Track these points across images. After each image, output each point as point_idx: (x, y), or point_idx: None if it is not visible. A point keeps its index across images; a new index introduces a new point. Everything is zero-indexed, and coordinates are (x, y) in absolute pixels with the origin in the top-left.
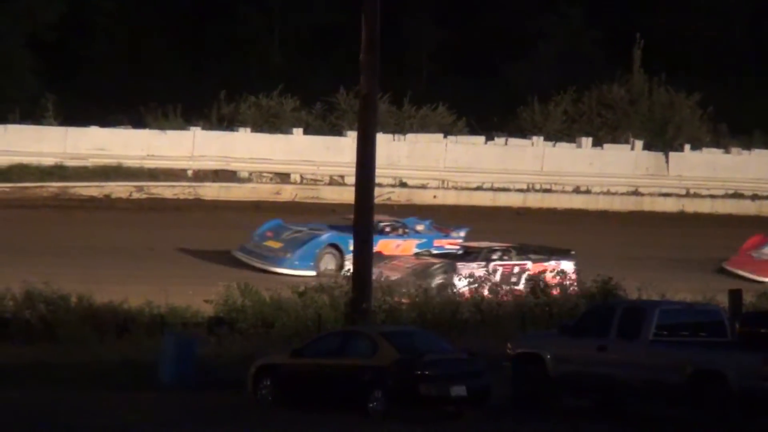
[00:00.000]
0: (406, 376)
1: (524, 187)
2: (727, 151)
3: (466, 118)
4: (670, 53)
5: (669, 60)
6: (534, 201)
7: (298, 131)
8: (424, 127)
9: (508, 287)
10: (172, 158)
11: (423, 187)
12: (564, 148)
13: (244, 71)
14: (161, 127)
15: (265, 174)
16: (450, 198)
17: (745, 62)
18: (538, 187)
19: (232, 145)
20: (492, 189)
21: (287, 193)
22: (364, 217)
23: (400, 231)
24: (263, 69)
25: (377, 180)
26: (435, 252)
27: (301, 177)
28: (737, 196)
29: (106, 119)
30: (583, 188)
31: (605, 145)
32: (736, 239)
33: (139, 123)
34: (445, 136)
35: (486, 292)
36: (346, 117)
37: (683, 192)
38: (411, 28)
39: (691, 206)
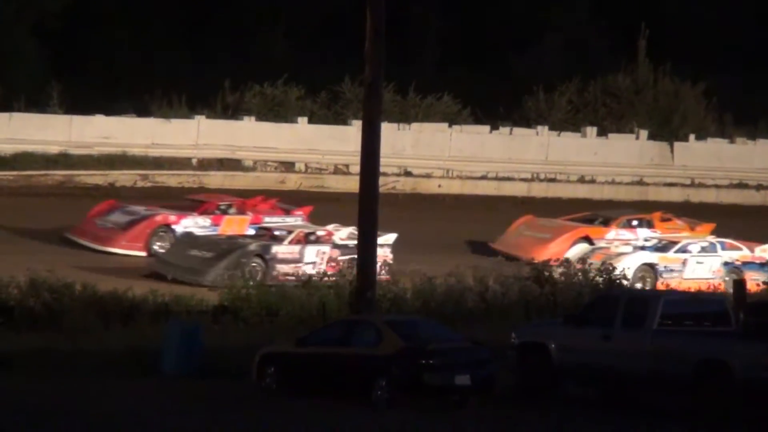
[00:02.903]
0: (410, 365)
1: (529, 176)
2: (732, 141)
3: (471, 108)
4: (675, 43)
5: (674, 50)
6: (539, 190)
7: (303, 120)
8: (428, 117)
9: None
10: (176, 147)
11: (428, 176)
12: (569, 138)
13: (249, 60)
14: (166, 116)
15: (269, 163)
16: (454, 187)
17: (751, 52)
18: (542, 176)
19: (237, 133)
20: (496, 178)
21: (292, 181)
22: (369, 206)
23: None
24: (268, 58)
25: (382, 169)
26: None
27: (306, 166)
28: (742, 186)
29: (111, 108)
30: (587, 178)
31: (610, 135)
32: (740, 230)
33: (143, 111)
34: (449, 126)
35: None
36: (350, 106)
37: (688, 182)
38: (416, 17)
39: (696, 196)
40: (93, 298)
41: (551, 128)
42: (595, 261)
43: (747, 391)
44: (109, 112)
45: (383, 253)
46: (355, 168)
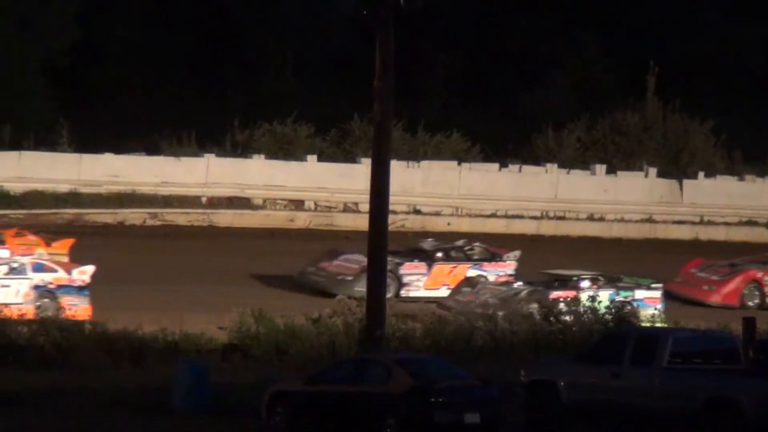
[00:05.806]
0: (419, 403)
1: (538, 214)
2: (741, 179)
3: (480, 145)
4: (684, 80)
5: (683, 87)
6: (548, 228)
7: (312, 158)
8: (438, 154)
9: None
10: (186, 185)
11: (437, 214)
12: (578, 176)
13: (259, 98)
14: (175, 154)
15: (279, 201)
16: (464, 225)
17: (760, 89)
18: (551, 214)
19: (246, 172)
20: (506, 216)
21: (301, 220)
22: (378, 244)
23: None
24: (277, 96)
25: (391, 207)
26: None
27: (315, 204)
28: (751, 223)
29: (120, 146)
30: (596, 216)
31: (619, 173)
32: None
33: (153, 150)
34: (459, 164)
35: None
36: (360, 144)
37: (697, 219)
38: (425, 55)
39: (705, 234)
40: (102, 337)
41: (560, 166)
42: None
43: (757, 429)
44: (118, 150)
45: None
46: (365, 206)
